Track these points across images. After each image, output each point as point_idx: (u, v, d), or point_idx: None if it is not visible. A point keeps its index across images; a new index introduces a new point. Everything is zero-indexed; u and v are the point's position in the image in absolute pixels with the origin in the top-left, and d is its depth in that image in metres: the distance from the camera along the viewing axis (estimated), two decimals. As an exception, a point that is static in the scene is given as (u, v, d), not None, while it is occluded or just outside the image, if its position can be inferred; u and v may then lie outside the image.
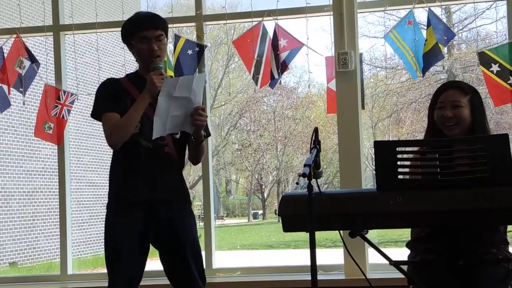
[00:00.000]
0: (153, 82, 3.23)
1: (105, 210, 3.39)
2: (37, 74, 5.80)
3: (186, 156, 3.53)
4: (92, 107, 3.41)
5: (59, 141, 5.75)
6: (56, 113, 5.70)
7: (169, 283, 3.49)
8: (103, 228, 3.37)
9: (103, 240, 3.39)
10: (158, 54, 3.33)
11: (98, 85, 3.43)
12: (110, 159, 3.43)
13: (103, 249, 3.38)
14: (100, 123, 3.36)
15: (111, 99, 3.32)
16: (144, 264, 3.38)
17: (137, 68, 3.49)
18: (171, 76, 3.49)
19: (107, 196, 3.42)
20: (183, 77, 3.24)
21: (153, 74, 3.27)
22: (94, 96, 3.42)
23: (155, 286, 4.96)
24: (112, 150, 3.40)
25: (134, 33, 3.34)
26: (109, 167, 3.43)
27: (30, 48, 5.84)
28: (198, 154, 3.45)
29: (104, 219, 3.39)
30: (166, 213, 3.32)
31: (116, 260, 3.30)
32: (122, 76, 3.50)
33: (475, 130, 3.08)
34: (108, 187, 3.41)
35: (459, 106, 3.08)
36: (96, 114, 3.37)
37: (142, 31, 3.32)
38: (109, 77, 3.58)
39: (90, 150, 16.39)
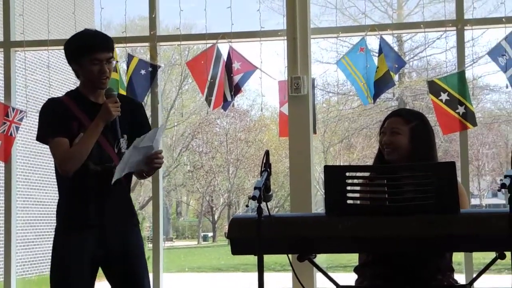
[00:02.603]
0: (109, 110, 3.20)
1: (52, 230, 3.33)
2: (-14, 89, 5.71)
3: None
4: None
5: (6, 158, 5.66)
6: (4, 130, 5.61)
7: None
8: (50, 249, 3.30)
9: (50, 263, 3.32)
10: (107, 76, 3.29)
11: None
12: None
13: (49, 270, 3.31)
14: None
15: (57, 122, 3.24)
16: (93, 287, 3.33)
17: (77, 86, 3.38)
18: (120, 95, 3.45)
19: (54, 215, 3.35)
20: (149, 133, 3.20)
21: (108, 101, 3.23)
22: (38, 118, 3.32)
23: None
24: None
25: (85, 54, 3.24)
26: (57, 186, 3.37)
27: (-21, 64, 5.76)
28: (146, 177, 3.47)
29: (52, 242, 3.32)
30: (115, 237, 3.28)
31: (64, 284, 3.24)
32: (62, 95, 3.39)
33: (414, 158, 3.12)
34: (56, 209, 3.35)
35: (396, 133, 3.17)
36: (43, 138, 3.29)
37: (95, 53, 3.23)
38: (57, 95, 3.50)
39: (39, 168, 16.08)
